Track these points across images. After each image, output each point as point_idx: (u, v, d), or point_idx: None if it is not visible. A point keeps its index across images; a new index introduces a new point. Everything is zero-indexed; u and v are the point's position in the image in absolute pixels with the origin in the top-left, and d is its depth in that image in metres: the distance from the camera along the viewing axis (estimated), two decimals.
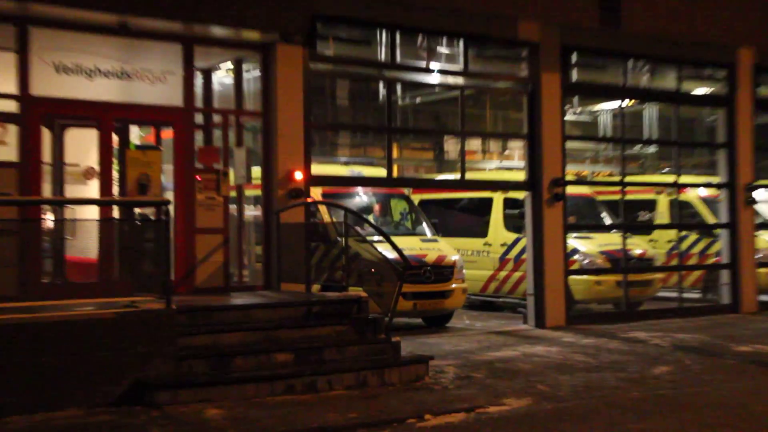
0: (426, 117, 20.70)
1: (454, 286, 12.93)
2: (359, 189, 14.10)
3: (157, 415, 7.43)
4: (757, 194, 15.58)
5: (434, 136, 21.09)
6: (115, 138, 10.49)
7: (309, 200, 11.15)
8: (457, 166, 21.36)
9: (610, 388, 8.82)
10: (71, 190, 10.64)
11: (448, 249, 13.44)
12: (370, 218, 13.33)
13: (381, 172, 14.89)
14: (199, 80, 11.13)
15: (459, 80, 13.22)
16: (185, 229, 10.53)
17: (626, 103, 15.57)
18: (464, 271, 13.43)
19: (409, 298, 12.25)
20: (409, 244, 12.68)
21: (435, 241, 13.62)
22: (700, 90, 15.84)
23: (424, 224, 14.21)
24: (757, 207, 15.85)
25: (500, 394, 8.50)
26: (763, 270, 15.76)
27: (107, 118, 10.10)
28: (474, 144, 21.82)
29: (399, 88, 17.22)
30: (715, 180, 16.08)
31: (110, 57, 10.11)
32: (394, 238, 12.57)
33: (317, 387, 8.39)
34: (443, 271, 12.82)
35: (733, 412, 7.79)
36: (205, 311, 8.89)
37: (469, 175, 13.84)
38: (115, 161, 10.25)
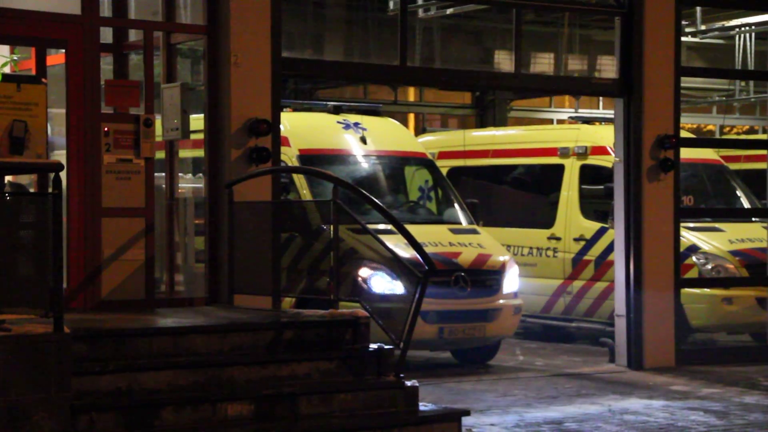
0: (461, 38, 20.70)
1: (502, 302, 12.96)
2: (354, 149, 14.13)
3: None
4: None
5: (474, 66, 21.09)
6: None
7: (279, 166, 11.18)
8: (507, 116, 21.45)
9: None
10: None
11: (493, 244, 13.45)
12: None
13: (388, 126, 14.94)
14: None
15: None
16: (85, 209, 10.54)
17: None
18: (519, 279, 13.49)
19: (433, 320, 12.27)
20: (434, 237, 12.72)
21: (473, 232, 13.67)
22: None
23: (457, 206, 14.22)
24: None
25: None
26: None
27: None
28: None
29: None
30: None
31: None
32: (411, 228, 12.64)
33: None
34: (486, 279, 12.88)
35: None
36: (115, 337, 8.88)
37: (525, 132, 13.88)
38: None
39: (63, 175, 8.50)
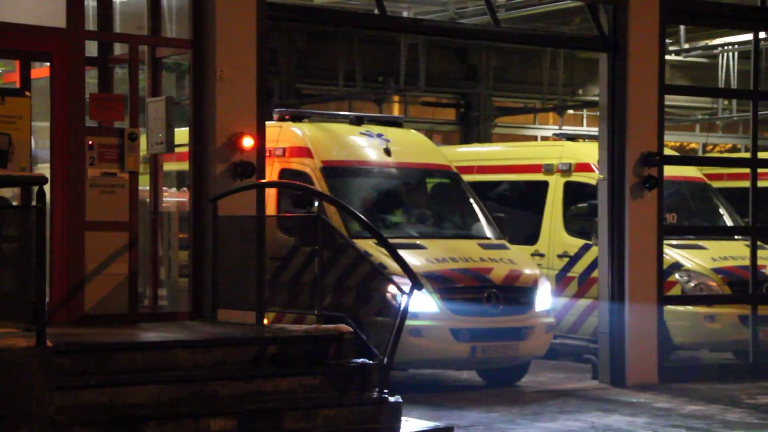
0: (446, 55, 20.76)
1: (534, 320, 12.59)
2: (379, 161, 13.64)
3: None
4: None
5: (457, 82, 21.16)
6: None
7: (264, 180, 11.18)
8: (491, 132, 21.43)
9: None
10: None
11: (524, 260, 13.25)
12: (389, 212, 13.31)
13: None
14: None
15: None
16: (69, 223, 10.50)
17: (764, 34, 15.60)
18: (551, 296, 13.13)
19: (465, 338, 11.94)
20: (464, 252, 12.49)
21: (503, 247, 13.31)
22: None
23: (484, 220, 13.84)
24: None
25: None
26: None
27: None
28: (519, 98, 21.88)
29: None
30: None
31: None
32: (439, 242, 12.66)
33: None
34: (519, 296, 12.47)
35: None
36: (98, 352, 8.86)
37: (509, 148, 13.86)
38: None
39: (47, 188, 8.46)
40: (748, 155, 15.27)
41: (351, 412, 9.14)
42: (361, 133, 13.72)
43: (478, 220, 13.73)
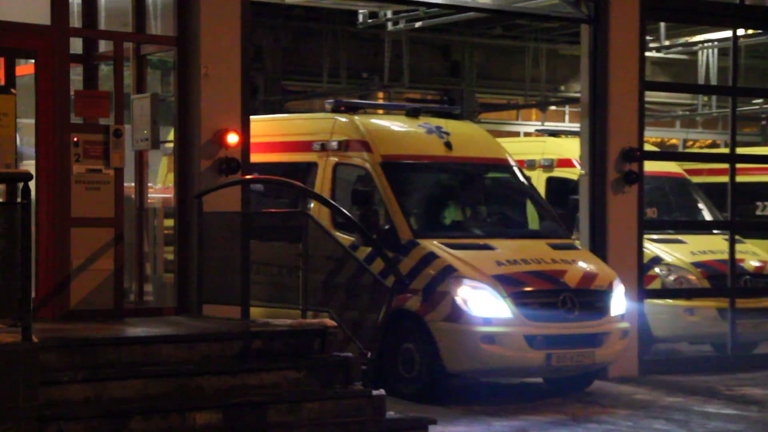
0: (429, 51, 20.77)
1: (610, 325, 11.75)
2: (440, 155, 12.66)
3: None
4: None
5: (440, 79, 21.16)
6: None
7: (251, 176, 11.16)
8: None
9: None
10: None
11: (596, 261, 12.42)
12: (450, 209, 12.70)
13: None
14: None
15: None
16: (54, 218, 10.49)
17: (741, 32, 15.65)
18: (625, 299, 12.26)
19: (540, 345, 11.14)
20: (535, 254, 11.75)
21: (573, 247, 12.54)
22: None
23: (549, 218, 13.05)
24: None
25: None
26: None
27: None
28: (502, 94, 21.91)
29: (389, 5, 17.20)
30: None
31: None
32: (506, 242, 11.92)
33: None
34: (594, 300, 11.64)
35: None
36: (84, 347, 8.83)
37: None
38: None
39: (32, 184, 8.44)
40: (727, 151, 15.31)
41: (335, 405, 9.12)
42: (420, 126, 12.85)
43: (544, 217, 12.94)
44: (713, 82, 19.00)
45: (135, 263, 11.12)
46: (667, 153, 19.04)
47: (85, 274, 10.62)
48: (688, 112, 21.72)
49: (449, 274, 10.96)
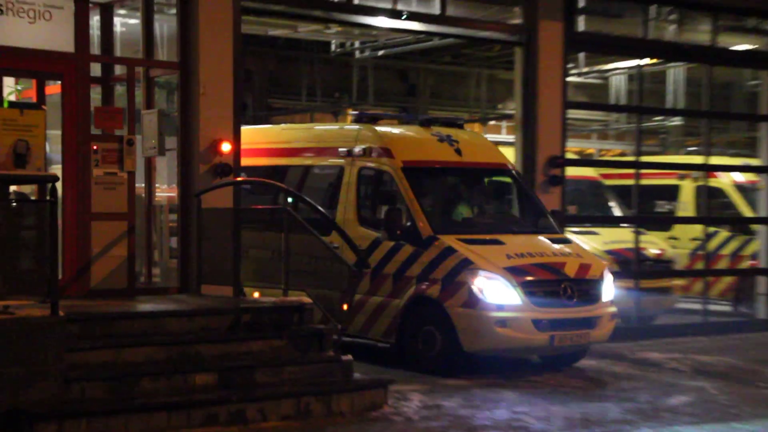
0: (390, 75, 20.76)
1: (602, 310, 11.35)
2: (452, 160, 12.11)
3: None
4: None
5: (399, 98, 21.16)
6: None
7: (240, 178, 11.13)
8: None
9: (615, 422, 8.96)
10: None
11: (589, 254, 12.03)
12: (462, 208, 12.21)
13: None
14: (95, 18, 11.04)
15: (434, 28, 13.28)
16: (77, 213, 10.44)
17: (646, 61, 15.76)
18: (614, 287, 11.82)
19: (544, 328, 10.77)
20: (537, 248, 11.37)
21: (568, 241, 12.03)
22: (741, 46, 16.07)
23: (546, 216, 12.41)
24: None
25: (476, 428, 8.60)
26: None
27: None
28: (450, 111, 21.92)
29: (357, 36, 17.21)
30: (754, 162, 16.35)
31: None
32: (512, 237, 11.44)
33: (246, 417, 8.43)
34: (589, 287, 11.24)
35: None
36: (102, 320, 8.85)
37: None
38: None
39: (59, 185, 8.43)
40: (633, 159, 15.42)
41: (311, 369, 9.16)
42: (432, 135, 12.26)
43: (541, 215, 12.33)
44: (622, 102, 19.09)
45: (145, 250, 11.06)
46: (584, 160, 19.11)
47: (102, 259, 10.56)
48: (602, 127, 21.83)
49: (466, 266, 10.63)
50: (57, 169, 10.50)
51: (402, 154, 11.67)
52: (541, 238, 11.67)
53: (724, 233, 16.46)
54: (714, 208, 16.50)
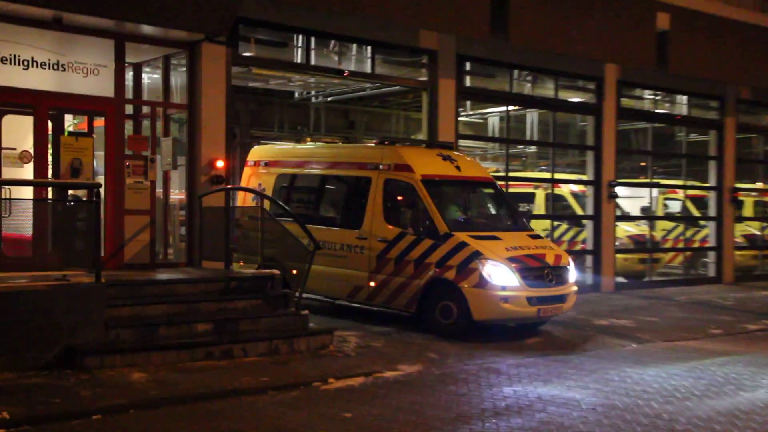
0: (336, 114, 20.79)
1: (570, 289, 10.75)
2: (455, 175, 11.24)
3: (85, 378, 7.38)
4: (618, 190, 16.33)
5: (342, 131, 21.17)
6: (50, 125, 10.23)
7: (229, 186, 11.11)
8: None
9: (489, 356, 9.16)
10: (7, 173, 10.32)
11: (556, 247, 11.31)
12: (465, 211, 11.51)
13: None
14: (129, 74, 10.94)
15: (366, 81, 13.34)
16: (115, 210, 10.38)
17: (511, 108, 16.06)
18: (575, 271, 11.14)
19: (534, 303, 10.19)
20: (522, 242, 10.63)
21: (540, 237, 11.24)
22: (574, 98, 16.49)
23: (522, 218, 11.74)
24: (618, 201, 16.60)
25: (395, 361, 8.71)
26: (620, 256, 16.55)
27: (43, 105, 9.85)
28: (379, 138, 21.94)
29: (313, 87, 17.23)
30: (584, 177, 16.78)
31: (46, 49, 9.86)
32: (506, 234, 10.69)
33: (233, 354, 8.44)
34: (562, 272, 10.62)
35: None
36: (131, 285, 8.81)
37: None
38: (49, 146, 10.01)
39: (102, 190, 8.40)
40: (504, 174, 15.67)
41: (279, 320, 9.18)
42: (437, 155, 11.36)
43: (519, 217, 11.62)
44: (496, 135, 19.33)
45: (162, 236, 11.03)
46: None
47: (132, 242, 10.50)
48: (482, 152, 22.07)
49: (477, 256, 10.02)
50: (101, 179, 10.43)
51: (420, 169, 10.95)
52: (523, 234, 11.00)
53: (564, 226, 16.81)
54: (558, 209, 16.72)
